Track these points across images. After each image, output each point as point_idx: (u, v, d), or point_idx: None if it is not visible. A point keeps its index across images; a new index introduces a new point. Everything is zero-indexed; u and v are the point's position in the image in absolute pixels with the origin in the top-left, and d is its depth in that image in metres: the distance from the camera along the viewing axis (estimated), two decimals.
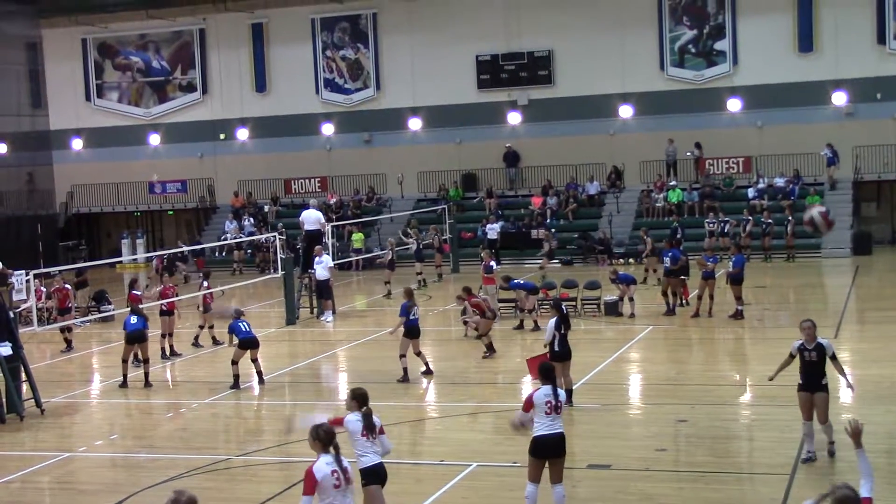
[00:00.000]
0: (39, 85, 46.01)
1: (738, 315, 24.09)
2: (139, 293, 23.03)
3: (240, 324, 19.64)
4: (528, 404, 10.92)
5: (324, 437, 8.87)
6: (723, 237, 35.86)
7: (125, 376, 19.95)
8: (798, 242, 36.40)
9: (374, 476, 10.06)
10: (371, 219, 40.93)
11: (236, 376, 19.33)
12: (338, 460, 8.78)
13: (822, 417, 12.91)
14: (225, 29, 46.35)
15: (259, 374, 19.55)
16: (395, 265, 32.75)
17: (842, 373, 13.24)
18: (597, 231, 38.98)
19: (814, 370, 12.91)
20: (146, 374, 19.87)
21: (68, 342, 24.75)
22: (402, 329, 19.20)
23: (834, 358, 13.00)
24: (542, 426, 10.83)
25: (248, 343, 19.38)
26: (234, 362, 19.36)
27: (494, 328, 24.46)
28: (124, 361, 20.05)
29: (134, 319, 19.77)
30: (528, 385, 18.49)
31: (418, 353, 19.36)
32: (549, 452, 10.88)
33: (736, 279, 24.27)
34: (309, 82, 45.53)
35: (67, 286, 27.10)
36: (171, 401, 19.11)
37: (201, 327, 24.25)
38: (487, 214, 40.70)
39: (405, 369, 19.01)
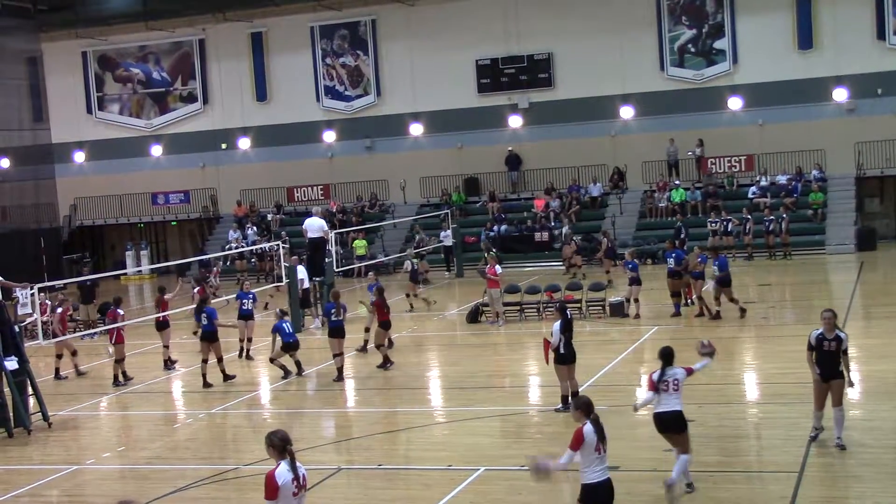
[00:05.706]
0: (41, 99, 46.04)
1: (740, 313, 23.87)
2: (169, 296, 23.61)
3: (284, 324, 20.46)
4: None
5: (278, 444, 8.61)
6: (726, 236, 35.77)
7: (205, 375, 20.33)
8: (801, 240, 36.34)
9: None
10: (374, 225, 40.92)
11: (283, 366, 20.28)
12: (293, 467, 8.58)
13: (837, 400, 13.21)
14: (224, 39, 46.41)
15: (297, 364, 20.46)
16: (417, 276, 31.16)
17: (847, 368, 13.45)
18: (600, 233, 38.85)
19: (832, 359, 13.21)
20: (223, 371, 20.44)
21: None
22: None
23: (845, 353, 13.29)
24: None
25: (292, 346, 20.33)
26: (273, 360, 20.36)
27: (500, 332, 24.53)
28: (204, 362, 20.46)
29: (204, 321, 20.40)
30: (534, 387, 18.50)
31: (338, 354, 19.89)
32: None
33: (723, 282, 23.92)
34: (309, 90, 45.56)
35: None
36: (179, 411, 19.10)
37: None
38: (490, 218, 40.68)
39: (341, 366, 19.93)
